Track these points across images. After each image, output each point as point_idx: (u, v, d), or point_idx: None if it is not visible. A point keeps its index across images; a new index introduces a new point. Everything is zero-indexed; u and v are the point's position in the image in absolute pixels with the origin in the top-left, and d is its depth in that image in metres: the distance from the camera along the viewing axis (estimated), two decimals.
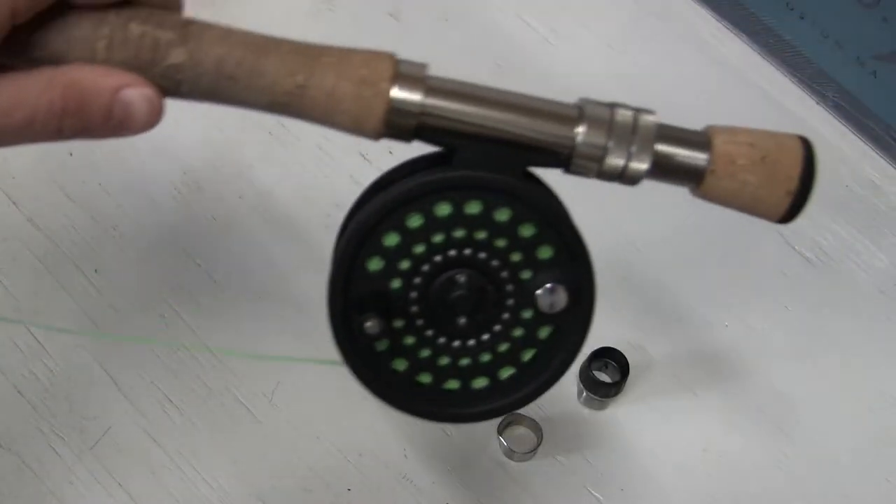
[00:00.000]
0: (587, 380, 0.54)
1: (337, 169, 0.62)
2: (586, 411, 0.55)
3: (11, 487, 0.51)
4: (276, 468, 0.53)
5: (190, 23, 0.35)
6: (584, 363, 0.55)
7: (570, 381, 0.56)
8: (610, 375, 0.55)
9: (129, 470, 0.52)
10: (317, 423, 0.54)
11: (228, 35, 0.35)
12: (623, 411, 0.55)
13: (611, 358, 0.55)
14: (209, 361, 0.55)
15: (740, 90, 0.67)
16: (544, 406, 0.55)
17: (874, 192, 0.63)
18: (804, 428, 0.56)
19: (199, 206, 0.60)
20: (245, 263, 0.58)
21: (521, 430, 0.55)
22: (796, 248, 0.61)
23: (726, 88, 0.67)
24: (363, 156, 0.62)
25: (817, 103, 0.67)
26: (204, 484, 0.52)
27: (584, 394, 0.55)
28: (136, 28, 0.34)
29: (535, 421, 0.54)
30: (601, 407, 0.55)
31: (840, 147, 0.65)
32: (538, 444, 0.53)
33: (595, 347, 0.54)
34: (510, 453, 0.53)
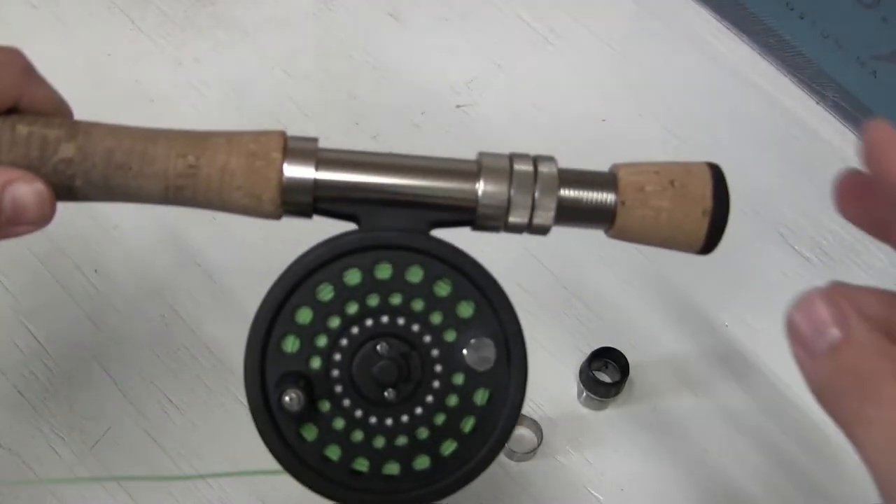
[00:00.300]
0: (587, 380, 0.54)
1: None
2: (586, 411, 0.55)
3: (11, 487, 0.51)
4: (276, 467, 0.53)
5: (78, 122, 0.35)
6: (584, 363, 0.55)
7: (570, 381, 0.56)
8: (610, 375, 0.55)
9: (129, 470, 0.52)
10: None
11: (117, 129, 0.35)
12: (623, 411, 0.55)
13: (611, 358, 0.55)
14: (209, 361, 0.55)
15: (740, 90, 0.67)
16: (544, 406, 0.55)
17: None
18: (804, 427, 0.56)
19: None
20: (245, 263, 0.58)
21: (521, 430, 0.55)
22: (796, 248, 0.61)
23: (726, 88, 0.67)
24: None
25: (817, 103, 0.67)
26: (204, 484, 0.52)
27: (584, 394, 0.55)
28: (23, 129, 0.34)
29: (535, 421, 0.54)
30: (601, 407, 0.55)
31: (840, 147, 0.65)
32: (538, 444, 0.53)
33: (595, 347, 0.55)
34: (510, 453, 0.53)
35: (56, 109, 0.36)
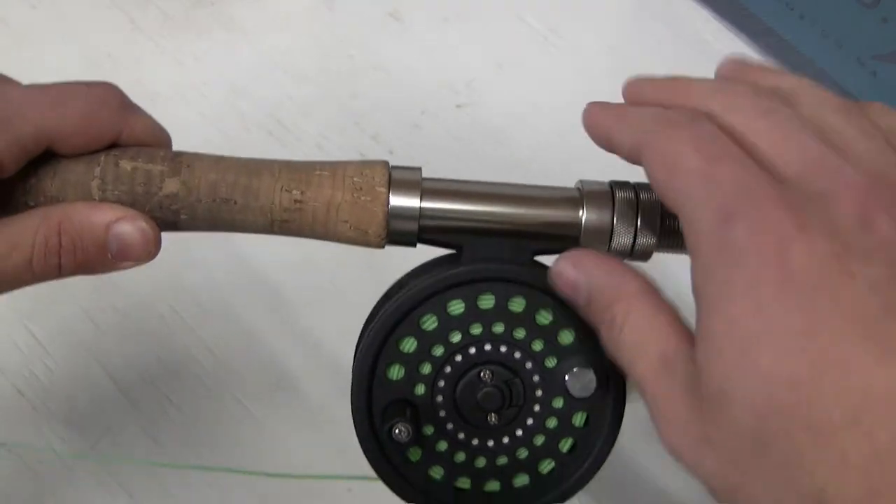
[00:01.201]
0: None
1: None
2: None
3: (11, 487, 0.51)
4: (276, 468, 0.53)
5: (180, 154, 0.35)
6: None
7: None
8: None
9: (129, 470, 0.52)
10: (317, 423, 0.54)
11: (219, 161, 0.35)
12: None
13: None
14: (209, 361, 0.55)
15: None
16: None
17: None
18: None
19: None
20: (246, 263, 0.58)
21: None
22: None
23: None
24: (362, 155, 0.62)
25: None
26: (204, 484, 0.52)
27: None
28: (127, 164, 0.34)
29: None
30: None
31: None
32: None
33: None
34: None
35: (155, 139, 0.36)
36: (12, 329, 0.55)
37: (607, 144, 0.33)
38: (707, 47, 0.69)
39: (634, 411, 0.55)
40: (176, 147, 0.37)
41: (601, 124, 0.33)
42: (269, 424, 0.54)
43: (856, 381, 0.25)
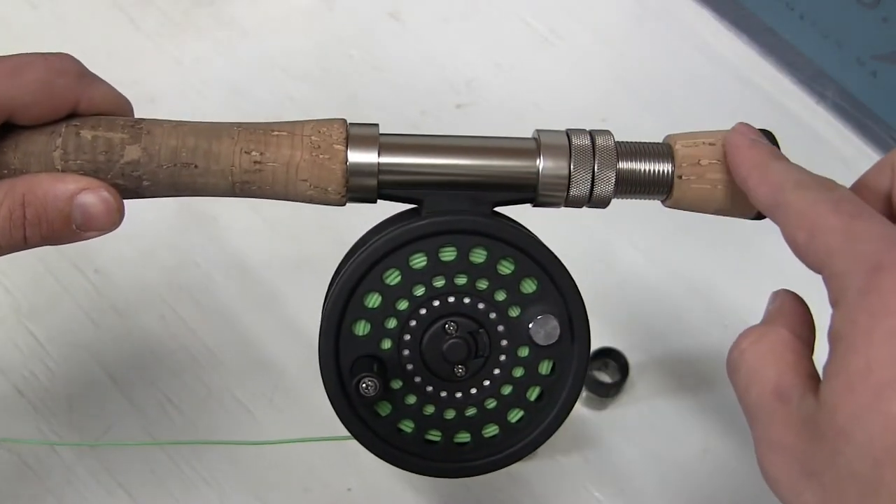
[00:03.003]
0: (587, 380, 0.54)
1: None
2: (586, 411, 0.55)
3: (11, 487, 0.51)
4: (276, 468, 0.53)
5: (139, 121, 0.35)
6: None
7: None
8: (610, 375, 0.55)
9: (129, 470, 0.52)
10: (316, 423, 0.54)
11: (179, 126, 0.35)
12: (623, 411, 0.55)
13: (611, 358, 0.55)
14: (209, 361, 0.55)
15: (740, 90, 0.67)
16: None
17: None
18: None
19: (199, 206, 0.60)
20: (245, 263, 0.58)
21: None
22: None
23: (726, 88, 0.67)
24: None
25: (817, 103, 0.67)
26: (204, 484, 0.52)
27: (584, 394, 0.55)
28: (87, 133, 0.34)
29: None
30: (601, 407, 0.55)
31: (840, 147, 0.65)
32: None
33: (595, 347, 0.55)
34: None
35: (116, 107, 0.36)
36: (12, 329, 0.55)
37: (742, 186, 0.34)
38: (707, 47, 0.69)
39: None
40: None
41: (742, 167, 0.34)
42: (268, 424, 0.54)
43: None
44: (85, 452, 0.52)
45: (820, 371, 0.30)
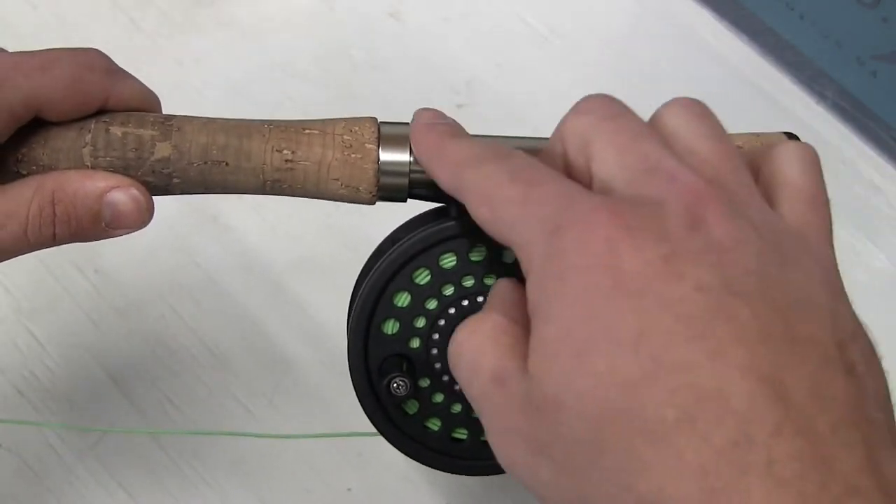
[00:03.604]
0: None
1: None
2: None
3: (11, 487, 0.51)
4: (276, 468, 0.53)
5: (170, 118, 0.35)
6: None
7: None
8: None
9: (129, 470, 0.52)
10: (316, 423, 0.54)
11: (209, 123, 0.35)
12: None
13: None
14: (209, 361, 0.55)
15: (740, 90, 0.67)
16: None
17: (874, 192, 0.63)
18: None
19: (200, 205, 0.60)
20: (247, 263, 0.58)
21: None
22: None
23: (726, 88, 0.67)
24: None
25: (817, 103, 0.67)
26: (204, 484, 0.52)
27: None
28: (117, 130, 0.34)
29: None
30: None
31: (840, 147, 0.65)
32: None
33: None
34: None
35: (145, 102, 0.36)
36: (12, 329, 0.55)
37: (429, 173, 0.34)
38: (707, 47, 0.69)
39: None
40: None
41: (422, 154, 0.34)
42: (269, 425, 0.54)
43: (686, 381, 0.25)
44: (85, 452, 0.52)
45: None
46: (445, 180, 0.32)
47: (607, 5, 0.70)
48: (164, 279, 0.57)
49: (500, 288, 0.33)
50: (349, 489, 0.52)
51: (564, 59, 0.68)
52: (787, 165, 0.31)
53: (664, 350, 0.25)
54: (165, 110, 0.38)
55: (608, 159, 0.29)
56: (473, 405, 0.31)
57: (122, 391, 0.54)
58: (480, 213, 0.30)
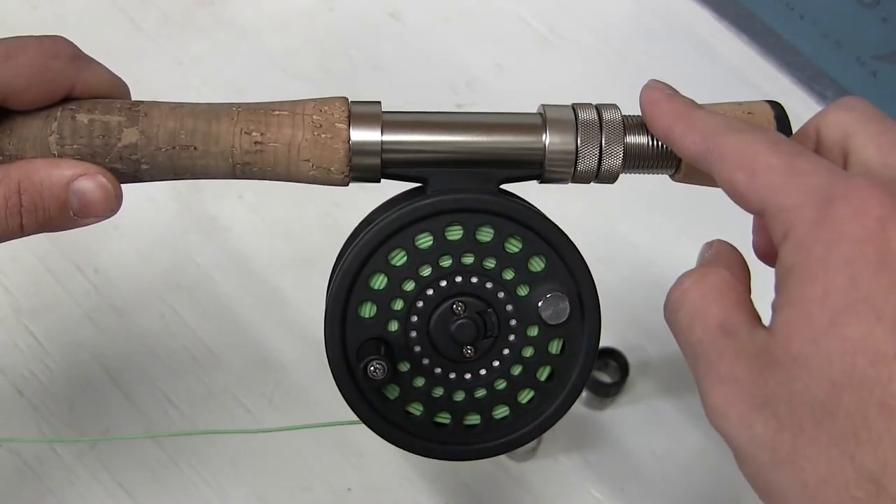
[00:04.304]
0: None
1: None
2: (586, 411, 0.55)
3: (11, 487, 0.51)
4: (276, 468, 0.53)
5: (137, 104, 0.35)
6: None
7: None
8: (610, 375, 0.55)
9: (129, 470, 0.52)
10: (316, 422, 0.54)
11: (177, 108, 0.34)
12: (623, 411, 0.55)
13: (611, 358, 0.55)
14: (209, 361, 0.55)
15: (740, 90, 0.67)
16: None
17: None
18: None
19: (199, 206, 0.60)
20: (246, 263, 0.58)
21: None
22: None
23: (726, 88, 0.67)
24: None
25: (817, 103, 0.67)
26: (204, 484, 0.52)
27: (585, 394, 0.55)
28: (83, 117, 0.34)
29: None
30: (601, 407, 0.55)
31: None
32: (538, 444, 0.53)
33: None
34: (511, 453, 0.53)
35: (112, 89, 0.36)
36: (12, 329, 0.55)
37: (665, 139, 0.34)
38: (707, 47, 0.69)
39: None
40: None
41: (662, 118, 0.34)
42: (268, 424, 0.54)
43: None
44: (85, 452, 0.52)
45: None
46: (693, 145, 0.32)
47: (607, 5, 0.70)
48: (164, 279, 0.57)
49: (723, 248, 0.33)
50: (349, 489, 0.52)
51: (564, 59, 0.68)
52: None
53: None
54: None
55: (871, 153, 0.31)
56: (688, 351, 0.31)
57: (122, 391, 0.54)
58: (737, 177, 0.30)
